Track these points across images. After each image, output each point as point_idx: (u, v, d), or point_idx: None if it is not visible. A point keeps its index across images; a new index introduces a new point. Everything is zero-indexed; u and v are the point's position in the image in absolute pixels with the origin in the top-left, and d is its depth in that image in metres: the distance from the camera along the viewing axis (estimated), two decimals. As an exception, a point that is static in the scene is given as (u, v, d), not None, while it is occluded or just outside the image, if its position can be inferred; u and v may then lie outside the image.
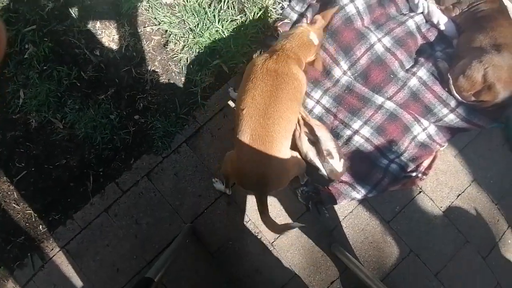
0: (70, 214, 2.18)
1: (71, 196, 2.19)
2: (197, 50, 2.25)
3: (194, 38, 2.25)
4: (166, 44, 2.30)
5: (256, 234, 2.15)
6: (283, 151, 1.63)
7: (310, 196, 2.08)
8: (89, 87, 2.27)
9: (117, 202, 2.18)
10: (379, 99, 2.12)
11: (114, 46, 2.30)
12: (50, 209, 2.19)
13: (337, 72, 2.17)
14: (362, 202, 2.16)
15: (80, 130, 2.21)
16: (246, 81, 1.66)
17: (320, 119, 2.18)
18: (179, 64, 2.28)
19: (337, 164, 1.95)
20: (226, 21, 2.26)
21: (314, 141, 1.98)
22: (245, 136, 1.58)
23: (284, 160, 1.64)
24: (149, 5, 2.30)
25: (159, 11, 2.29)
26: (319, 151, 1.94)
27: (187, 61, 2.27)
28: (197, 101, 2.24)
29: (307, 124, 2.01)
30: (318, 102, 2.20)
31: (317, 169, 1.98)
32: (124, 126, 2.24)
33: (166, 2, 2.32)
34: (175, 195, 2.19)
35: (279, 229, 1.69)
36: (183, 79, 2.28)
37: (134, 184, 2.19)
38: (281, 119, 1.59)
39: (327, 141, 1.96)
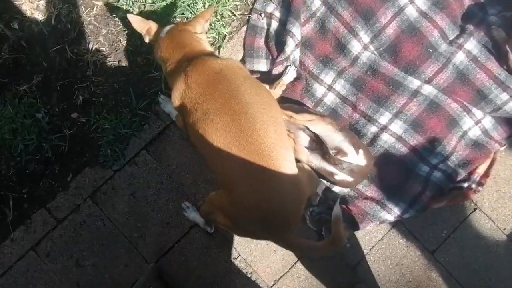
0: (-20, 256, 2.12)
1: (-19, 231, 2.14)
2: (159, 19, 2.22)
3: (155, 3, 2.22)
4: (113, 12, 2.28)
5: (249, 275, 2.13)
6: (289, 165, 1.62)
7: (322, 220, 2.07)
8: (4, 74, 2.24)
9: (49, 235, 2.14)
10: (414, 83, 2.13)
11: (39, 16, 2.27)
12: (-48, 250, 2.13)
13: (355, 46, 2.18)
14: (396, 225, 2.16)
15: None
16: (189, 114, 1.64)
17: (334, 111, 2.19)
18: (133, 39, 2.26)
19: (356, 158, 1.95)
20: (199, -22, 2.24)
21: (314, 140, 1.97)
22: (233, 170, 1.57)
23: (295, 177, 1.63)
24: (89, -43, 2.27)
25: (104, -35, 2.27)
26: (324, 153, 1.93)
27: (145, 34, 2.24)
28: (161, 90, 2.22)
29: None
30: (330, 88, 2.20)
31: (332, 177, 1.96)
32: (57, 128, 2.21)
33: (113, -47, 2.29)
34: (133, 224, 2.16)
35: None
36: (139, 60, 2.27)
37: (73, 210, 2.17)
38: (269, 130, 1.58)
39: (330, 135, 1.95)
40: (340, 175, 1.95)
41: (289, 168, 1.60)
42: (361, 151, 1.96)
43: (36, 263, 2.13)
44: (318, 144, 1.96)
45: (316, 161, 1.95)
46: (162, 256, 2.14)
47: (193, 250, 2.14)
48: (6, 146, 2.18)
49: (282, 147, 1.60)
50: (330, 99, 2.20)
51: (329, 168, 1.95)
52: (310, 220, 2.10)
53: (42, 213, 2.15)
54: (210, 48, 1.88)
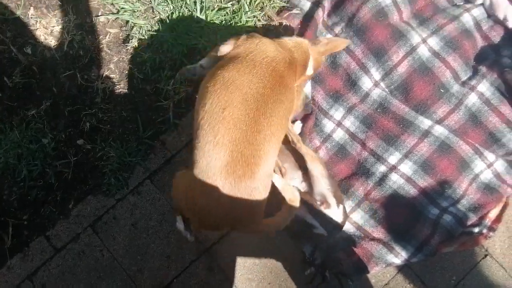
0: (-24, 282, 2.08)
1: (-22, 256, 2.11)
2: (170, 49, 2.25)
3: (165, 32, 2.24)
4: (126, 40, 2.31)
5: (250, 316, 2.06)
6: (267, 182, 1.61)
7: (325, 265, 2.01)
8: (14, 98, 2.25)
9: (47, 265, 2.10)
10: (425, 123, 2.11)
11: (52, 42, 2.30)
12: None
13: (366, 82, 2.17)
14: (403, 269, 2.10)
15: None
16: (233, 62, 1.62)
17: (342, 148, 2.16)
18: (143, 68, 2.28)
19: (336, 213, 1.92)
20: (212, 10, 2.27)
21: (306, 180, 1.95)
22: (221, 149, 1.50)
23: (265, 193, 1.62)
24: (105, -14, 2.31)
25: (118, -6, 2.30)
26: (310, 199, 1.90)
27: (156, 63, 2.26)
28: (168, 119, 2.22)
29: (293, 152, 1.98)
30: (339, 124, 2.18)
31: (310, 229, 1.95)
32: (62, 154, 2.20)
33: (128, -17, 2.33)
34: (132, 256, 2.11)
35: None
36: (148, 88, 2.28)
37: (72, 239, 2.13)
38: (273, 137, 1.57)
39: (321, 180, 1.92)
40: (319, 229, 1.93)
41: (266, 182, 1.61)
42: (341, 206, 1.93)
43: (32, 292, 2.08)
44: (307, 186, 1.95)
45: (301, 210, 1.92)
46: (160, 290, 2.08)
47: (193, 286, 2.08)
48: (10, 171, 2.17)
49: (270, 162, 1.60)
50: (339, 135, 2.18)
51: (310, 220, 1.92)
52: (309, 263, 2.04)
53: (41, 241, 2.12)
54: None
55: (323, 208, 1.91)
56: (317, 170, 1.93)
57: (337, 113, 2.20)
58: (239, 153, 1.49)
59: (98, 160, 2.20)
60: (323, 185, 1.92)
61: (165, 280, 2.09)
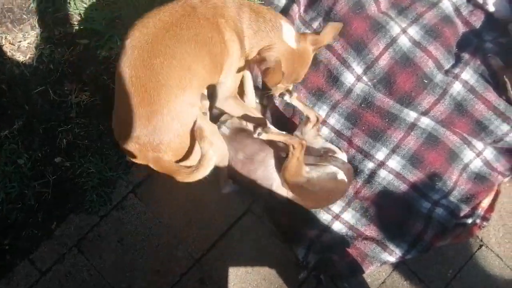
0: (-41, 314, 2.02)
1: (-39, 286, 2.04)
2: None
3: None
4: (97, 50, 2.22)
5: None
6: (180, 106, 1.61)
7: (319, 267, 1.97)
8: None
9: (33, 289, 2.04)
10: (410, 115, 2.07)
11: (20, 58, 2.22)
12: None
13: (348, 77, 2.12)
14: (398, 267, 2.07)
15: None
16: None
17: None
18: None
19: (342, 155, 1.94)
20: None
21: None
22: (124, 79, 1.57)
23: (183, 119, 1.62)
24: (71, -5, 2.22)
25: (86, 3, 2.22)
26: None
27: (130, 73, 2.17)
28: None
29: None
30: (324, 122, 2.15)
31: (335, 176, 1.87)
32: (39, 174, 2.13)
33: (95, -10, 2.24)
34: (120, 274, 2.07)
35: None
36: None
37: (57, 260, 2.08)
38: (174, 64, 1.59)
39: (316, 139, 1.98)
40: (340, 174, 1.86)
41: (180, 107, 1.61)
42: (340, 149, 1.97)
43: (19, 319, 2.02)
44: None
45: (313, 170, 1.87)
46: (152, 307, 2.03)
47: (185, 300, 2.03)
48: (-14, 195, 2.08)
49: (177, 87, 1.62)
50: (325, 133, 2.13)
51: (330, 168, 1.87)
52: (302, 265, 2.00)
53: (25, 265, 2.06)
54: None
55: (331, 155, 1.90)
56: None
57: (321, 111, 2.14)
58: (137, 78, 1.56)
59: (78, 177, 2.13)
60: (320, 142, 1.94)
61: (155, 296, 2.04)
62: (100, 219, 2.10)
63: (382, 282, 2.06)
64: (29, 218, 2.10)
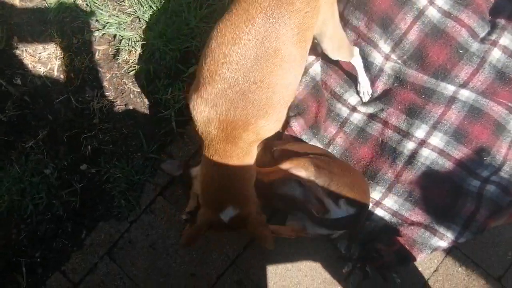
0: (-5, 331, 1.95)
1: (-6, 304, 2.01)
2: (162, 56, 2.13)
3: (155, 39, 2.13)
4: (116, 55, 2.20)
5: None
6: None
7: (363, 259, 1.83)
8: (10, 132, 2.15)
9: (67, 302, 1.97)
10: (448, 88, 1.93)
11: (41, 69, 2.20)
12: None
13: (377, 58, 2.02)
14: (451, 252, 1.92)
15: (1, 199, 2.04)
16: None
17: (362, 130, 1.98)
18: (138, 80, 2.17)
19: (339, 211, 1.67)
20: (200, 9, 2.14)
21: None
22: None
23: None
24: (87, 4, 2.21)
25: (102, 9, 2.20)
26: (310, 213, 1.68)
27: (150, 73, 2.14)
28: (172, 130, 2.10)
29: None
30: (354, 109, 2.00)
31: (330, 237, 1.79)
32: (66, 183, 2.08)
33: (110, -4, 2.22)
34: (155, 279, 1.98)
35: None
36: (146, 101, 2.16)
37: (90, 270, 2.00)
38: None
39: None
40: (335, 234, 1.76)
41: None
42: (342, 200, 1.66)
43: (55, 334, 1.94)
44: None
45: (309, 227, 1.71)
46: (190, 313, 1.92)
47: (223, 303, 1.91)
48: (15, 208, 2.05)
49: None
50: (357, 118, 1.99)
51: (321, 230, 1.71)
52: (346, 257, 1.86)
53: (57, 277, 1.99)
54: None
55: (321, 216, 1.66)
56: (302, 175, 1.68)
57: (352, 98, 2.02)
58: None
59: (105, 183, 2.07)
60: (317, 189, 1.68)
61: (192, 301, 1.92)
62: (130, 225, 2.02)
63: (435, 270, 1.89)
64: (58, 229, 2.05)
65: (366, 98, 2.01)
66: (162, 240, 2.00)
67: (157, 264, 1.98)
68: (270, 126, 1.51)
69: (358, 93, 2.02)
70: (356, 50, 1.91)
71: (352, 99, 2.03)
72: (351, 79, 2.04)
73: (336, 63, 2.04)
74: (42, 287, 1.98)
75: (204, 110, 1.45)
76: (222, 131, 1.45)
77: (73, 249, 2.01)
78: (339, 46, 1.77)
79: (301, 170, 1.66)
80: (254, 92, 1.41)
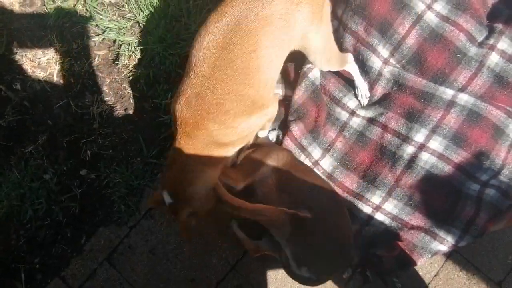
0: (-6, 338, 1.93)
1: (-7, 310, 1.98)
2: (162, 61, 2.13)
3: (155, 44, 2.12)
4: (116, 60, 2.20)
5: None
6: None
7: (364, 264, 1.82)
8: (9, 137, 2.14)
9: (66, 308, 1.96)
10: (447, 92, 1.93)
11: (41, 74, 2.20)
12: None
13: (375, 62, 2.00)
14: (452, 256, 1.92)
15: (0, 205, 2.04)
16: None
17: (361, 135, 1.96)
18: (138, 85, 2.16)
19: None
20: (200, 14, 2.14)
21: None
22: None
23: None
24: (87, 9, 2.20)
25: (102, 14, 2.20)
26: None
27: (150, 78, 2.14)
28: (171, 134, 2.04)
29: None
30: (353, 113, 1.99)
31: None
32: (66, 188, 2.08)
33: (110, 1, 2.21)
34: (155, 285, 1.96)
35: None
36: (146, 106, 2.15)
37: (89, 276, 1.99)
38: None
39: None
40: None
41: None
42: (304, 269, 1.63)
43: None
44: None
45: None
46: (190, 318, 1.91)
47: (224, 308, 1.89)
48: (14, 214, 2.04)
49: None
50: (356, 122, 1.99)
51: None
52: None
53: (56, 283, 1.98)
54: None
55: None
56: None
57: (351, 101, 2.01)
58: None
59: (104, 188, 2.06)
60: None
61: (192, 306, 1.91)
62: (130, 230, 2.01)
63: (435, 275, 1.89)
64: (58, 234, 2.04)
65: (364, 101, 2.02)
66: (161, 245, 1.99)
67: (156, 269, 1.97)
68: (223, 131, 1.52)
69: (356, 96, 2.02)
70: (350, 56, 1.91)
71: (351, 103, 2.03)
72: (350, 83, 2.04)
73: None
74: (42, 293, 1.97)
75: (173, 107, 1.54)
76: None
77: (73, 254, 2.00)
78: (327, 59, 1.79)
79: (278, 227, 1.62)
80: (207, 96, 1.46)
